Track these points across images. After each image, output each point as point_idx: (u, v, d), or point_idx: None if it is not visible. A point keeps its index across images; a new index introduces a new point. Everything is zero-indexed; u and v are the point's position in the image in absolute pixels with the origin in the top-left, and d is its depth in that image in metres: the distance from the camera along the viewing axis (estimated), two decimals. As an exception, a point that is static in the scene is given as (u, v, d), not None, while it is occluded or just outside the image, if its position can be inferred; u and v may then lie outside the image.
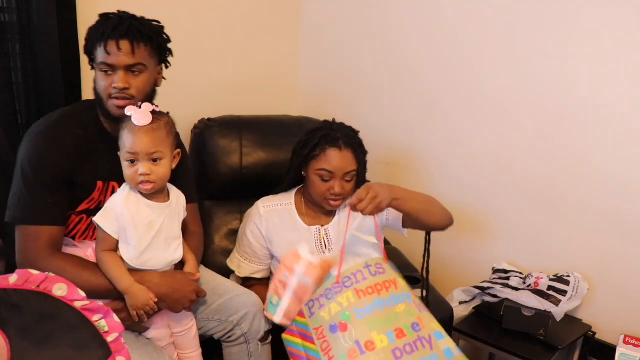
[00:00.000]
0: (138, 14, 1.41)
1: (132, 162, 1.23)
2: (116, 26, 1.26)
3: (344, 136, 1.55)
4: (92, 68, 1.35)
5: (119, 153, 1.27)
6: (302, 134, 1.61)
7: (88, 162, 1.32)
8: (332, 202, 1.56)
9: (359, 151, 1.57)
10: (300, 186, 1.68)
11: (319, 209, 1.64)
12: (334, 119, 1.62)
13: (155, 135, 1.23)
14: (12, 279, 0.90)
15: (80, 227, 1.37)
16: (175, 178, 1.37)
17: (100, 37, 1.27)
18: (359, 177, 1.60)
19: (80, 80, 1.69)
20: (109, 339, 0.97)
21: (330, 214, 1.66)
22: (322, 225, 1.64)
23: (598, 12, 1.65)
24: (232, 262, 1.70)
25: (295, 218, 1.64)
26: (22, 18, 1.53)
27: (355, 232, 1.43)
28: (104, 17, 1.31)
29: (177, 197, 1.37)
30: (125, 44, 1.27)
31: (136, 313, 1.25)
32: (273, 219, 1.63)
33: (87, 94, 1.69)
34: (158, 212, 1.29)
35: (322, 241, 1.63)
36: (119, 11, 1.33)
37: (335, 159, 1.52)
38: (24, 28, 1.54)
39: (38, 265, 1.21)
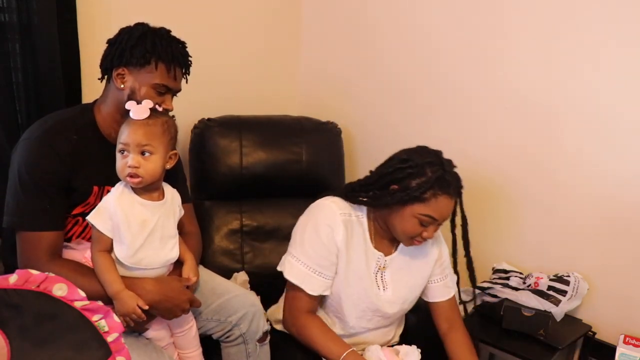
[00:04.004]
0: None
1: (123, 152, 1.24)
2: (176, 53, 1.35)
3: (455, 181, 1.37)
4: (107, 75, 1.36)
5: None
6: (404, 154, 1.41)
7: (84, 167, 1.32)
8: (416, 243, 1.41)
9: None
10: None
11: (385, 236, 1.48)
12: (441, 152, 1.40)
13: (149, 129, 1.24)
14: (12, 279, 0.90)
15: (77, 229, 1.37)
16: (169, 179, 1.37)
17: (162, 57, 1.32)
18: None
19: (81, 81, 1.69)
20: (109, 339, 0.97)
21: (393, 241, 1.50)
22: (385, 255, 1.48)
23: (592, 16, 1.66)
24: (296, 277, 1.43)
25: (366, 235, 1.46)
26: (22, 18, 1.53)
27: None
28: (147, 32, 1.33)
29: (172, 195, 1.37)
30: (179, 73, 1.37)
31: (124, 319, 1.22)
32: (347, 229, 1.42)
33: (87, 93, 1.69)
34: (152, 211, 1.28)
35: (378, 274, 1.48)
36: (162, 29, 1.37)
37: (445, 208, 1.36)
38: (24, 28, 1.54)
39: (37, 270, 1.21)
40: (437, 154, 1.40)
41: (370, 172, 1.49)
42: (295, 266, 1.43)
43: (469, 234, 1.45)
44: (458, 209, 1.42)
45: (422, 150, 1.41)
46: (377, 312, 1.49)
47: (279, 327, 1.60)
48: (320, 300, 1.50)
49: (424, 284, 1.55)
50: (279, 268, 1.49)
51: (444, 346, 1.54)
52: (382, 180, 1.40)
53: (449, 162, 1.39)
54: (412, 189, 1.33)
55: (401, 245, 1.50)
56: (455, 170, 1.39)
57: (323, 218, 1.42)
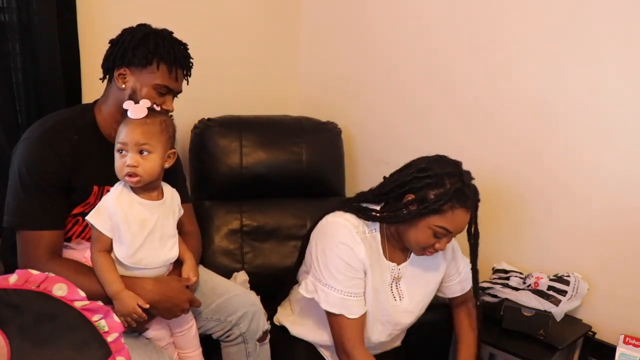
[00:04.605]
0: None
1: (121, 152, 1.24)
2: (178, 55, 1.35)
3: (473, 194, 1.35)
4: (109, 75, 1.36)
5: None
6: (423, 163, 1.38)
7: (84, 167, 1.32)
8: (428, 254, 1.40)
9: (475, 213, 1.38)
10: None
11: (397, 246, 1.46)
12: (461, 163, 1.38)
13: (147, 128, 1.24)
14: (12, 279, 0.90)
15: (77, 228, 1.37)
16: (168, 179, 1.37)
17: (164, 58, 1.32)
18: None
19: (81, 81, 1.69)
20: (109, 339, 0.97)
21: (406, 250, 1.49)
22: (398, 264, 1.47)
23: (592, 16, 1.66)
24: (334, 305, 1.38)
25: (379, 248, 1.44)
26: (22, 18, 1.53)
27: None
28: (150, 33, 1.33)
29: (172, 195, 1.37)
30: (180, 74, 1.37)
31: (124, 319, 1.22)
32: (365, 246, 1.39)
33: (87, 93, 1.69)
34: (151, 210, 1.28)
35: (392, 284, 1.47)
36: (165, 30, 1.37)
37: (461, 221, 1.34)
38: (24, 28, 1.54)
39: (37, 269, 1.21)
40: (457, 164, 1.37)
41: (384, 178, 1.46)
42: (330, 294, 1.38)
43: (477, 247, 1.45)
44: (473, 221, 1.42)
45: (441, 160, 1.38)
46: (396, 326, 1.49)
47: (290, 328, 1.59)
48: None
49: (435, 290, 1.56)
50: (306, 294, 1.43)
51: (452, 317, 1.64)
52: (399, 189, 1.37)
53: (468, 174, 1.37)
54: (429, 200, 1.31)
55: (413, 253, 1.50)
56: (474, 182, 1.37)
57: (341, 239, 1.38)
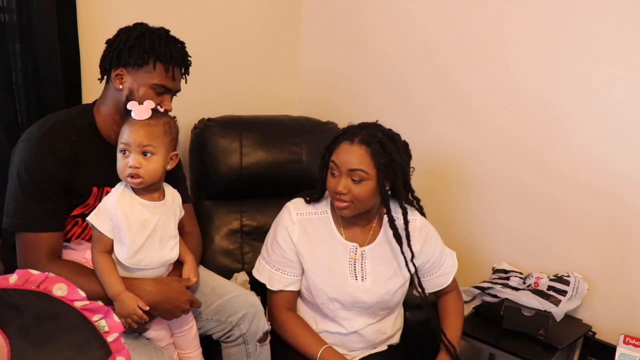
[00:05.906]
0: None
1: (124, 153, 1.24)
2: (174, 53, 1.34)
3: (367, 134, 1.41)
4: (106, 76, 1.36)
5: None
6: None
7: (83, 169, 1.31)
8: (337, 203, 1.44)
9: (378, 153, 1.39)
10: None
11: (356, 223, 1.51)
12: (375, 121, 1.50)
13: (150, 129, 1.24)
14: (12, 279, 0.90)
15: (76, 229, 1.37)
16: (168, 179, 1.37)
17: (160, 57, 1.31)
18: (381, 188, 1.42)
19: (81, 81, 1.69)
20: (109, 339, 0.97)
21: (367, 230, 1.54)
22: (360, 246, 1.52)
23: (590, 15, 1.66)
24: (262, 274, 1.55)
25: (332, 228, 1.52)
26: (22, 18, 1.53)
27: None
28: (145, 32, 1.33)
29: (173, 195, 1.37)
30: (177, 73, 1.36)
31: (125, 321, 1.22)
32: (306, 228, 1.51)
33: (87, 93, 1.69)
34: (152, 211, 1.28)
35: (356, 264, 1.50)
36: (161, 29, 1.36)
37: (343, 151, 1.41)
38: (24, 28, 1.54)
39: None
40: (372, 123, 1.49)
41: None
42: (261, 265, 1.56)
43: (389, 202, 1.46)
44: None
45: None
46: (356, 304, 1.50)
47: None
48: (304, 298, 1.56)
49: (407, 275, 1.53)
50: (254, 269, 1.59)
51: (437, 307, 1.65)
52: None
53: (374, 124, 1.47)
54: (328, 144, 1.47)
55: (380, 234, 1.53)
56: (379, 128, 1.45)
57: (281, 220, 1.53)
